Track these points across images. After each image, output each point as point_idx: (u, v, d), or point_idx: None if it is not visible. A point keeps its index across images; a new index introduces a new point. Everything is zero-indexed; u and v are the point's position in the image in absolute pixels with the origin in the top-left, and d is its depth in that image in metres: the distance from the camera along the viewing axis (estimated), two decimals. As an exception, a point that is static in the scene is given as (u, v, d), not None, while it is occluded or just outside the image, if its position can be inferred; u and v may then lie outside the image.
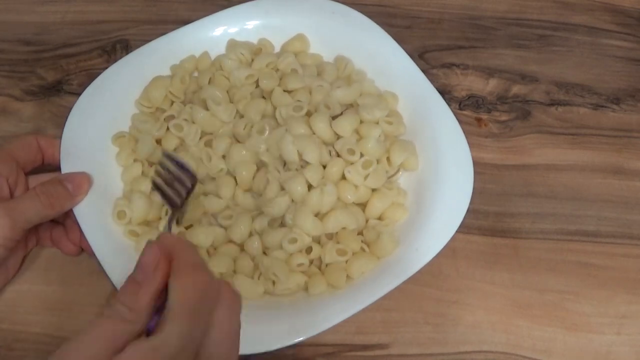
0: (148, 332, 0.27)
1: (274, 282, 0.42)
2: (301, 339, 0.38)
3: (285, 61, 0.50)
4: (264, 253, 0.43)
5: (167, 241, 0.29)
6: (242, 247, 0.44)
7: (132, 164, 0.46)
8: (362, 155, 0.45)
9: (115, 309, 0.27)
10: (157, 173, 0.41)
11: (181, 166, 0.40)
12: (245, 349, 0.37)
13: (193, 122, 0.47)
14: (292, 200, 0.43)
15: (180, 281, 0.27)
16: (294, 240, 0.41)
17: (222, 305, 0.28)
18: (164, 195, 0.40)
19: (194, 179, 0.40)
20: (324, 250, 0.42)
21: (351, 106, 0.48)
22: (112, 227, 0.43)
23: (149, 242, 0.29)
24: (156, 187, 0.40)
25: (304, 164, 0.44)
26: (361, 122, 0.46)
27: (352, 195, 0.44)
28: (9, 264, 0.43)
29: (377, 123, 0.46)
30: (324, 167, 0.45)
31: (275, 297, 0.42)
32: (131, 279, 0.28)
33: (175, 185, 0.40)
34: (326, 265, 0.43)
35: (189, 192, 0.40)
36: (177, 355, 0.25)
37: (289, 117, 0.46)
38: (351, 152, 0.45)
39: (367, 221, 0.45)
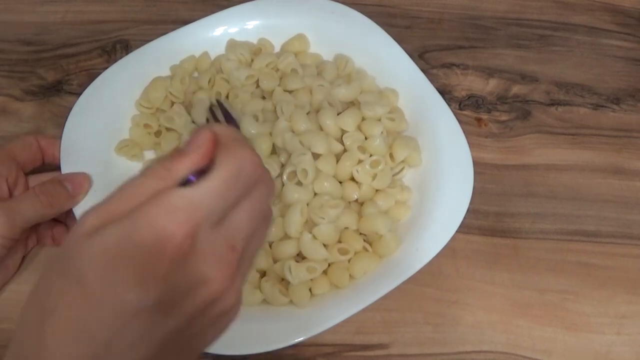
0: (184, 183, 0.27)
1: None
2: (301, 339, 0.38)
3: (286, 61, 0.50)
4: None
5: (217, 128, 0.29)
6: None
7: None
8: (370, 155, 0.45)
9: (152, 167, 0.27)
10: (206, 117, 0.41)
11: (228, 116, 0.41)
12: (245, 349, 0.37)
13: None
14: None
15: (227, 152, 0.27)
16: (313, 270, 0.41)
17: (259, 185, 0.28)
18: None
19: (237, 127, 0.41)
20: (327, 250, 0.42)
21: (352, 104, 0.48)
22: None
23: (203, 127, 0.29)
24: None
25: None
26: (363, 119, 0.46)
27: (357, 194, 0.44)
28: (8, 263, 0.43)
29: (379, 120, 0.46)
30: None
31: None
32: (175, 149, 0.28)
33: None
34: (329, 265, 0.42)
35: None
36: (205, 209, 0.25)
37: (293, 113, 0.46)
38: (362, 149, 0.45)
39: None
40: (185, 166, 0.27)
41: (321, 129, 0.46)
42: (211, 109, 0.41)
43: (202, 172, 0.27)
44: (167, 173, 0.27)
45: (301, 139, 0.44)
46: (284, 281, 0.42)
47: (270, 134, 0.46)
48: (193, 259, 0.25)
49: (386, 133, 0.46)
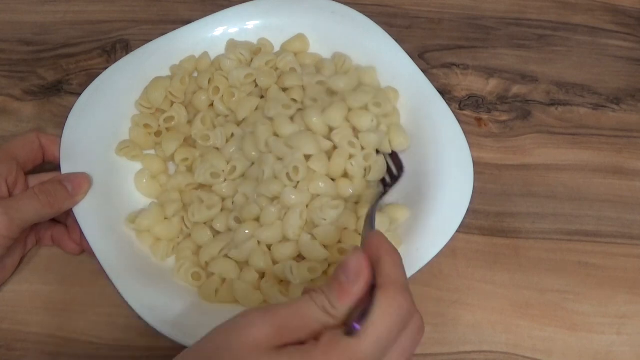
0: (349, 331, 0.29)
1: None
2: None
3: (285, 60, 0.50)
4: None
5: (374, 243, 0.32)
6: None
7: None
8: (362, 148, 0.45)
9: (320, 298, 0.29)
10: None
11: (393, 156, 0.46)
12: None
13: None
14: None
15: (387, 299, 0.29)
16: (314, 270, 0.41)
17: (409, 330, 0.30)
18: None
19: (401, 170, 0.44)
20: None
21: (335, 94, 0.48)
22: (112, 227, 0.43)
23: (356, 247, 0.32)
24: None
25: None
26: (350, 110, 0.46)
27: (351, 188, 0.44)
28: (7, 263, 0.43)
29: (367, 109, 0.46)
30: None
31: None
32: (336, 280, 0.30)
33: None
34: (329, 265, 0.42)
35: (396, 179, 0.44)
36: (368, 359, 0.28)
37: (277, 115, 0.45)
38: (352, 144, 0.44)
39: None
40: (349, 303, 0.29)
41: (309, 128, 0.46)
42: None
43: (362, 313, 0.29)
44: (333, 310, 0.29)
45: (288, 142, 0.44)
46: (283, 282, 0.42)
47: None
48: None
49: (376, 122, 0.46)
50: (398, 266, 0.31)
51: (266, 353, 0.27)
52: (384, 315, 0.29)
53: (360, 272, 0.30)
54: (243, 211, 0.43)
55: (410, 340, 0.30)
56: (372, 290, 0.30)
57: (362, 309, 0.29)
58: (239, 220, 0.44)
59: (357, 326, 0.29)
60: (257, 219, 0.43)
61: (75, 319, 0.43)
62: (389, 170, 0.45)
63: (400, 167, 0.45)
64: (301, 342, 0.28)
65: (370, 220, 0.38)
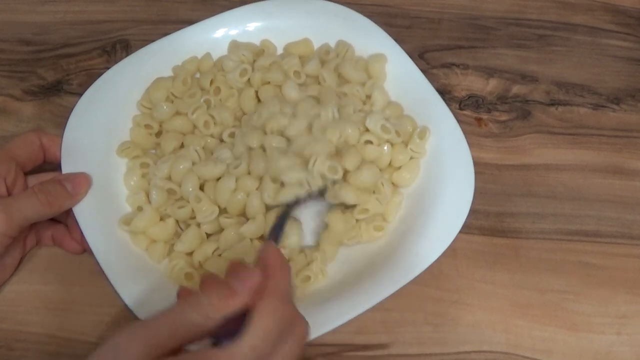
0: (215, 343, 0.30)
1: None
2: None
3: (290, 63, 0.50)
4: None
5: (268, 255, 0.32)
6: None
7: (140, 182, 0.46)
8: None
9: (200, 300, 0.29)
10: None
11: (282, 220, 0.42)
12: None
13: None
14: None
15: (267, 309, 0.29)
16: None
17: (292, 339, 0.30)
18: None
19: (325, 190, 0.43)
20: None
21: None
22: (112, 228, 0.43)
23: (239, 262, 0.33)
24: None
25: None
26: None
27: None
28: (6, 262, 0.43)
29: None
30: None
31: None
32: (226, 284, 0.30)
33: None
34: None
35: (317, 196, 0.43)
36: None
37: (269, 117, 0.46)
38: (385, 129, 0.45)
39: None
40: (233, 308, 0.29)
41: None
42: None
43: (234, 324, 0.29)
44: (212, 310, 0.29)
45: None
46: None
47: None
48: None
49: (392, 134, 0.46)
50: (284, 277, 0.32)
51: None
52: (261, 324, 0.29)
53: (253, 285, 0.30)
54: (229, 205, 0.44)
55: (291, 347, 0.30)
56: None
57: (235, 321, 0.29)
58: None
59: (223, 339, 0.29)
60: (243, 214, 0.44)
61: (75, 319, 0.43)
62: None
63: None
64: (175, 352, 0.29)
65: (274, 230, 0.39)
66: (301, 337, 0.31)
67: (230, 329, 0.30)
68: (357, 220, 0.44)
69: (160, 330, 0.28)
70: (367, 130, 0.46)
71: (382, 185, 0.45)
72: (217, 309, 0.29)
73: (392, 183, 0.46)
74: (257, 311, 0.29)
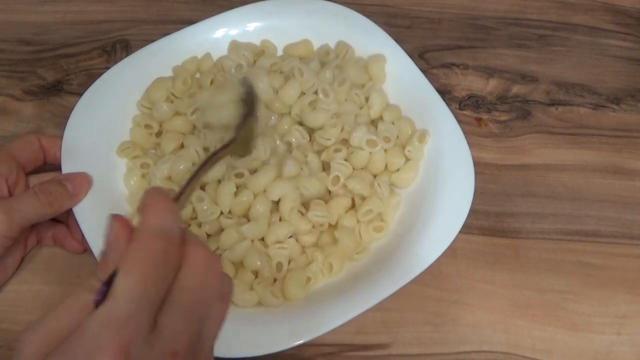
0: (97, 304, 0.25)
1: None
2: (301, 342, 0.38)
3: (290, 65, 0.50)
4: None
5: (144, 198, 0.27)
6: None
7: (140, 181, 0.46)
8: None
9: (88, 282, 0.26)
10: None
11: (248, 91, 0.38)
12: (245, 352, 0.37)
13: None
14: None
15: (132, 250, 0.25)
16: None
17: (182, 272, 0.26)
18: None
19: (252, 105, 0.37)
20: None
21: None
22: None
23: (113, 215, 0.27)
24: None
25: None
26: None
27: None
28: (7, 263, 0.43)
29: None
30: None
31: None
32: (102, 254, 0.27)
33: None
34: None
35: (246, 116, 0.37)
36: (127, 322, 0.23)
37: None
38: (387, 139, 0.46)
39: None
40: (109, 269, 0.25)
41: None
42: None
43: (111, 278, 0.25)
44: (97, 282, 0.25)
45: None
46: (276, 282, 0.42)
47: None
48: None
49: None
50: (156, 211, 0.26)
51: None
52: (131, 266, 0.24)
53: (117, 237, 0.26)
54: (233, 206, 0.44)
55: (192, 276, 0.26)
56: None
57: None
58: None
59: (99, 295, 0.25)
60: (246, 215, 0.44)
61: (76, 319, 0.43)
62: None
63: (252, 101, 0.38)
64: None
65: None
66: (199, 264, 0.26)
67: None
68: (358, 221, 0.44)
69: (54, 323, 0.25)
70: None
71: (379, 186, 0.45)
72: (101, 280, 0.25)
73: (391, 184, 0.46)
74: (124, 257, 0.25)
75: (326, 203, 0.45)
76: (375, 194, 0.45)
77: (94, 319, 0.23)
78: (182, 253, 0.26)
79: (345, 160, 0.45)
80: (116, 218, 0.27)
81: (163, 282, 0.25)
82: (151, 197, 0.27)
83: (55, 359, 0.23)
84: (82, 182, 0.43)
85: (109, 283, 0.25)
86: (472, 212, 0.43)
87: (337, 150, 0.46)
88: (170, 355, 0.24)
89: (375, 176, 0.47)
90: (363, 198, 0.45)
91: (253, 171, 0.44)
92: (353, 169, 0.46)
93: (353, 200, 0.46)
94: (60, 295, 0.44)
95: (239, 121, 0.38)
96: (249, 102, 0.38)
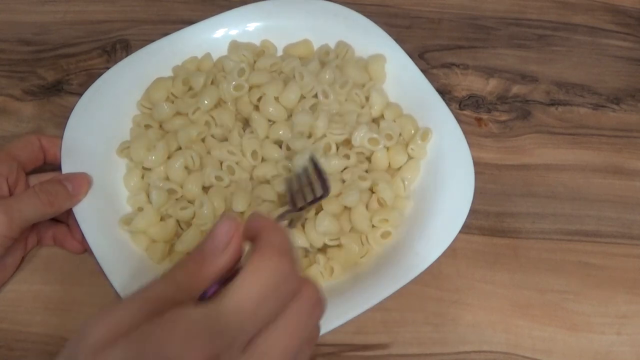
0: (202, 297, 0.24)
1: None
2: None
3: (290, 65, 0.50)
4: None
5: (255, 221, 0.26)
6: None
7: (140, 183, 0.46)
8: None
9: (173, 274, 0.25)
10: (295, 173, 0.41)
11: (320, 174, 0.40)
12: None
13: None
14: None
15: (258, 260, 0.24)
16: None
17: (297, 304, 0.24)
18: (291, 192, 0.40)
19: (326, 191, 0.39)
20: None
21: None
22: (112, 228, 0.43)
23: (227, 214, 0.26)
24: (287, 182, 0.41)
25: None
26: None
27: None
28: (7, 262, 0.43)
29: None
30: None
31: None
32: (199, 249, 0.25)
33: (305, 189, 0.40)
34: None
35: (315, 200, 0.39)
36: (229, 333, 0.22)
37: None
38: (389, 137, 0.46)
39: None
40: (210, 272, 0.24)
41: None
42: (311, 157, 0.41)
43: (226, 280, 0.24)
44: (188, 280, 0.24)
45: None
46: None
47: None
48: None
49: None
50: (279, 232, 0.26)
51: (100, 350, 0.22)
52: (251, 277, 0.23)
53: (227, 242, 0.25)
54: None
55: (299, 314, 0.24)
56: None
57: (229, 275, 0.24)
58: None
59: (213, 288, 0.24)
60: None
61: (75, 319, 0.43)
62: (312, 188, 0.40)
63: (326, 188, 0.39)
64: None
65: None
66: (310, 303, 0.25)
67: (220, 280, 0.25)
68: (373, 226, 0.44)
69: (129, 312, 0.24)
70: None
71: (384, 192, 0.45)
72: (192, 278, 0.24)
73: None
74: (246, 266, 0.24)
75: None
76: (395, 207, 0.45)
77: (190, 316, 0.22)
78: (300, 283, 0.25)
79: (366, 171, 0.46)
80: (229, 217, 0.26)
81: (275, 305, 0.24)
82: (264, 219, 0.26)
83: (132, 346, 0.21)
84: (82, 182, 0.43)
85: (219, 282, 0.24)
86: (472, 212, 0.43)
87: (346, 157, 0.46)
88: None
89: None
90: (382, 204, 0.45)
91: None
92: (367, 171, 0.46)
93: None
94: (61, 295, 0.44)
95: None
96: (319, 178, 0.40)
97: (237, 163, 0.46)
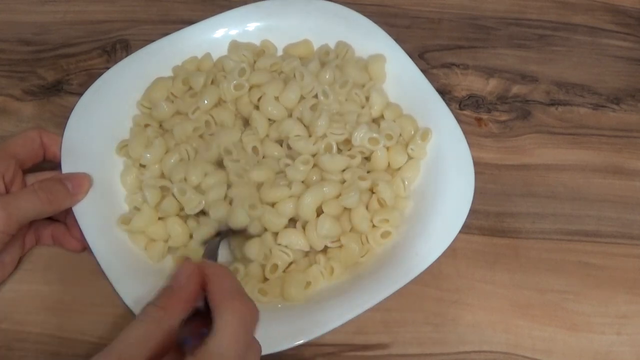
0: (184, 350, 0.29)
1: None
2: (301, 342, 0.38)
3: (290, 65, 0.50)
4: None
5: (204, 266, 0.32)
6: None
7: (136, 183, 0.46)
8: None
9: (146, 311, 0.29)
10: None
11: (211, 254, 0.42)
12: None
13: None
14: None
15: (227, 305, 0.29)
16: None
17: (255, 348, 0.31)
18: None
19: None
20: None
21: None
22: (112, 227, 0.43)
23: (184, 259, 0.32)
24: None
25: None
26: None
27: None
28: (5, 261, 0.43)
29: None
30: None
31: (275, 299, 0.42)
32: (165, 287, 0.30)
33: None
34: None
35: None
36: None
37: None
38: (389, 137, 0.46)
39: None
40: (181, 302, 0.29)
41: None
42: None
43: (199, 328, 0.29)
44: (163, 314, 0.28)
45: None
46: (267, 281, 0.43)
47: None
48: None
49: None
50: (228, 277, 0.32)
51: None
52: (231, 322, 0.28)
53: (189, 275, 0.30)
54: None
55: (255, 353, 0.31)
56: (206, 314, 0.30)
57: (202, 328, 0.29)
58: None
59: (189, 344, 0.28)
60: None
61: (75, 319, 0.43)
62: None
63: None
64: None
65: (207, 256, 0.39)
66: (256, 320, 0.31)
67: (200, 328, 0.30)
68: (373, 226, 0.44)
69: (121, 352, 0.28)
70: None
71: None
72: (165, 307, 0.29)
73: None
74: (220, 310, 0.29)
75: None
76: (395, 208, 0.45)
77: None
78: (248, 306, 0.30)
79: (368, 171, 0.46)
80: (189, 261, 0.31)
81: (249, 341, 0.29)
82: (215, 266, 0.32)
83: None
84: (82, 182, 0.42)
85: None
86: (472, 212, 0.43)
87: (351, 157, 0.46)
88: None
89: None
90: (382, 204, 0.45)
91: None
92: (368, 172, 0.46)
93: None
94: (61, 295, 0.44)
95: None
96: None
97: (237, 161, 0.46)
